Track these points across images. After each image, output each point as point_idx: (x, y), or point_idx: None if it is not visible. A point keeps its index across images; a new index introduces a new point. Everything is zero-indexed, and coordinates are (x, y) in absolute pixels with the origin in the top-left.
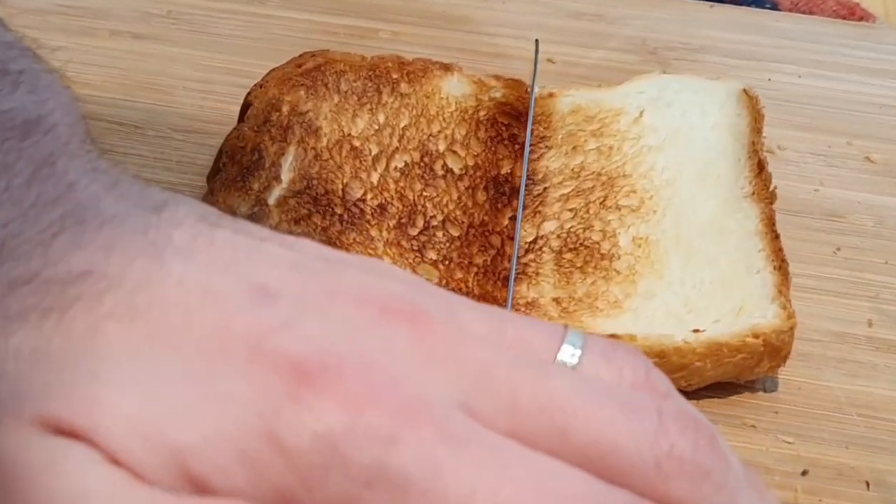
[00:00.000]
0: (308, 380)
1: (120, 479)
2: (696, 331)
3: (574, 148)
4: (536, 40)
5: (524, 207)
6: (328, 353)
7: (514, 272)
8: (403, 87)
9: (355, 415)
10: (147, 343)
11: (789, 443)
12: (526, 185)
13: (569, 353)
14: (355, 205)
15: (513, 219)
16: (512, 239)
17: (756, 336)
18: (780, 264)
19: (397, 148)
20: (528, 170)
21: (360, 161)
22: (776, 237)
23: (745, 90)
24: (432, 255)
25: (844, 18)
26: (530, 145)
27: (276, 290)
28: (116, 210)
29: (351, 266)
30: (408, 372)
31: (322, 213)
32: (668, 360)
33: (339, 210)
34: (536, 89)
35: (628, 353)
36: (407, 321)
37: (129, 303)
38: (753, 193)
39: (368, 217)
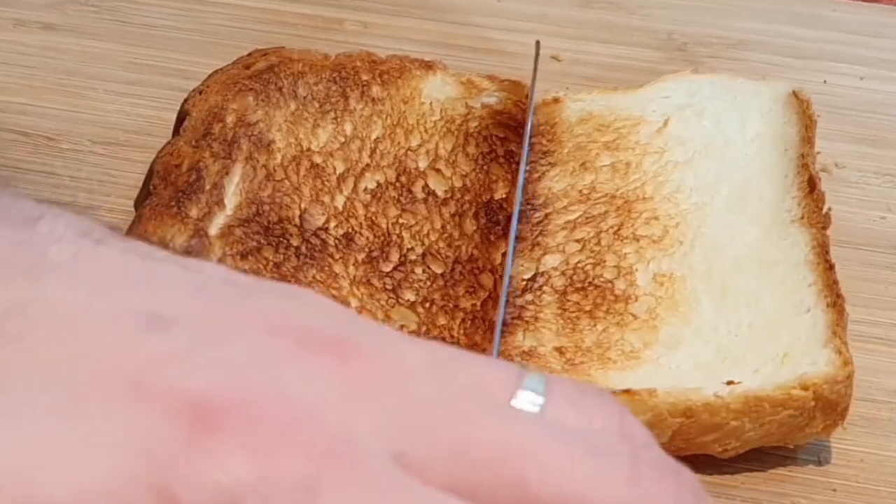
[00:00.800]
0: (208, 421)
1: None
2: (730, 383)
3: (583, 165)
4: (537, 42)
5: (518, 237)
6: (232, 388)
7: (501, 315)
8: (375, 90)
9: (266, 461)
10: (15, 376)
11: None
12: (524, 210)
13: (528, 400)
14: (316, 235)
15: (507, 254)
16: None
17: (805, 388)
18: (835, 300)
19: (368, 165)
20: (524, 191)
21: (322, 181)
22: (830, 268)
23: (794, 94)
24: (410, 296)
25: None
26: (528, 161)
27: (170, 316)
28: None
29: (264, 292)
30: (329, 409)
31: (275, 246)
32: (696, 420)
33: (295, 242)
34: (536, 94)
35: (599, 397)
36: (330, 354)
37: None
38: (803, 217)
39: (332, 250)
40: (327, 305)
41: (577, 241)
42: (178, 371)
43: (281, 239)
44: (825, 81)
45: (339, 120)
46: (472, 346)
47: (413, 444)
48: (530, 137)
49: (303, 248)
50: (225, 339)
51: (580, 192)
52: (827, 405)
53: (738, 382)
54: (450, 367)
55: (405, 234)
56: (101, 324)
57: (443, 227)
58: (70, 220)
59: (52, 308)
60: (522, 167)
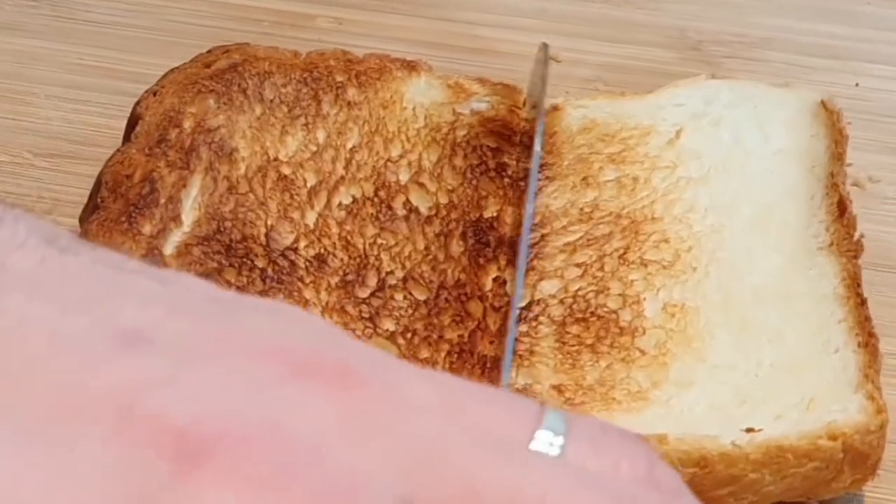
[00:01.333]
0: (195, 454)
1: None
2: (750, 430)
3: (584, 179)
4: (544, 44)
5: (509, 261)
6: (222, 418)
7: (510, 347)
8: (351, 93)
9: (258, 502)
10: None
11: None
12: (521, 230)
13: (546, 441)
14: (283, 256)
15: (498, 280)
16: (497, 309)
17: (833, 437)
18: (867, 340)
19: (343, 178)
20: (517, 209)
21: (291, 196)
22: (861, 302)
23: (822, 102)
24: (389, 325)
25: None
26: (536, 179)
27: (151, 336)
28: None
29: (251, 309)
30: (328, 443)
31: (237, 268)
32: (711, 471)
33: (260, 263)
34: (533, 99)
35: (626, 439)
36: (328, 381)
37: None
38: (831, 245)
39: (301, 273)
40: (322, 325)
41: (578, 265)
42: (161, 397)
43: (244, 260)
44: (857, 84)
45: (310, 126)
46: None
47: (419, 486)
48: (533, 150)
49: (269, 271)
50: (211, 362)
51: (581, 210)
52: (857, 457)
53: (759, 430)
54: (460, 401)
55: (384, 256)
56: (73, 344)
57: (426, 248)
58: (33, 224)
59: (16, 325)
60: (532, 186)
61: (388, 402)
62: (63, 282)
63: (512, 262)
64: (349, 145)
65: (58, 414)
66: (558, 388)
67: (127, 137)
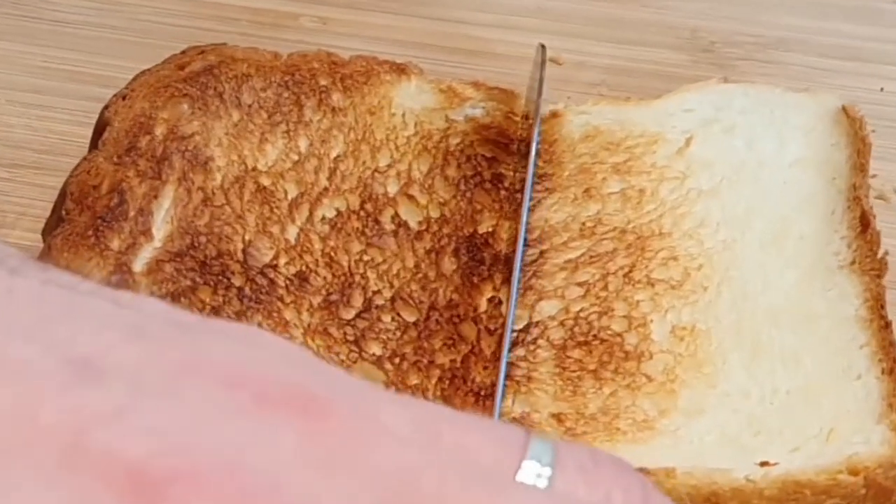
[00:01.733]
0: (149, 493)
1: None
2: (764, 464)
3: (587, 192)
4: (541, 45)
5: (505, 280)
6: (178, 453)
7: (503, 372)
8: (336, 98)
9: None
10: None
11: None
12: (518, 246)
13: (533, 472)
14: (262, 273)
15: (493, 300)
16: (491, 332)
17: (854, 472)
18: (892, 366)
19: (326, 189)
20: (515, 223)
21: (271, 208)
22: (886, 326)
23: (844, 108)
24: (375, 349)
25: None
26: (531, 190)
27: (104, 365)
28: None
29: (214, 334)
30: (293, 479)
31: (213, 286)
32: None
33: (237, 281)
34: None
35: (618, 468)
36: (295, 412)
37: None
38: (853, 263)
39: (281, 292)
40: (293, 351)
41: (580, 284)
42: (112, 432)
43: (220, 278)
44: (882, 89)
45: (291, 134)
46: None
47: None
48: (528, 157)
49: (246, 290)
50: (169, 392)
51: (583, 224)
52: (880, 493)
53: (774, 463)
54: (438, 430)
55: (371, 274)
56: (19, 374)
57: (416, 265)
58: None
59: None
60: (527, 197)
61: (358, 432)
62: (10, 306)
63: (508, 281)
64: (333, 154)
65: (8, 452)
66: (558, 417)
67: (94, 145)
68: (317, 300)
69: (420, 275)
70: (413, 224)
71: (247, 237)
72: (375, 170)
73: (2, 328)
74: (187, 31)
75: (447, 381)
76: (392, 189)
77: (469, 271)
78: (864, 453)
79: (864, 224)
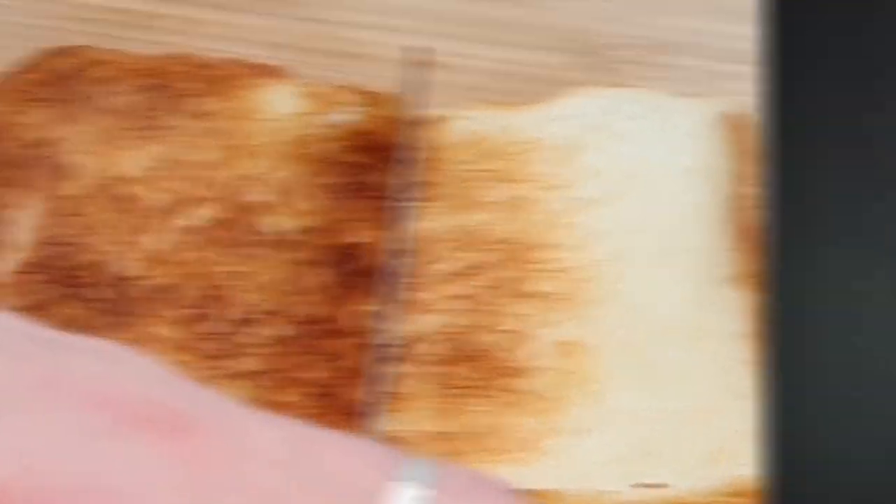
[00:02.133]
0: None
1: None
2: (650, 485)
3: (467, 201)
4: (418, 48)
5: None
6: (33, 475)
7: (380, 389)
8: (204, 102)
9: None
10: None
11: None
12: (395, 257)
13: (408, 495)
14: (128, 285)
15: (367, 314)
16: (365, 347)
17: (740, 495)
18: None
19: (194, 197)
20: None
21: (136, 217)
22: None
23: (723, 115)
24: (244, 364)
25: None
26: (400, 197)
27: None
28: None
29: (77, 350)
30: (156, 501)
31: (77, 298)
32: None
33: (101, 293)
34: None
35: (496, 490)
36: (159, 432)
37: None
38: (737, 276)
39: (147, 305)
40: (153, 368)
41: (461, 297)
42: None
43: (84, 289)
44: None
45: (157, 139)
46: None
47: None
48: (405, 164)
49: (110, 302)
50: (27, 409)
51: (464, 235)
52: None
53: (663, 485)
54: (311, 451)
55: (239, 286)
56: None
57: (285, 277)
58: None
59: None
60: (403, 206)
61: (226, 453)
62: None
63: (385, 294)
64: (202, 160)
65: None
66: (438, 436)
67: None
68: (182, 314)
69: (289, 287)
70: (283, 234)
71: (112, 247)
72: (244, 177)
73: None
74: (46, 31)
75: (316, 399)
76: (261, 197)
77: (343, 283)
78: (751, 475)
79: (747, 236)
